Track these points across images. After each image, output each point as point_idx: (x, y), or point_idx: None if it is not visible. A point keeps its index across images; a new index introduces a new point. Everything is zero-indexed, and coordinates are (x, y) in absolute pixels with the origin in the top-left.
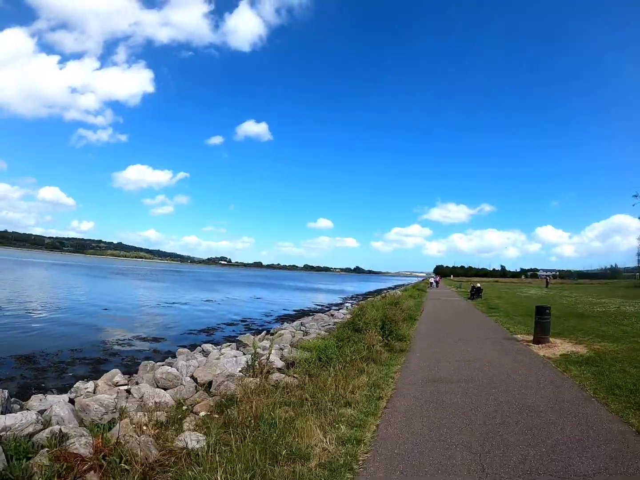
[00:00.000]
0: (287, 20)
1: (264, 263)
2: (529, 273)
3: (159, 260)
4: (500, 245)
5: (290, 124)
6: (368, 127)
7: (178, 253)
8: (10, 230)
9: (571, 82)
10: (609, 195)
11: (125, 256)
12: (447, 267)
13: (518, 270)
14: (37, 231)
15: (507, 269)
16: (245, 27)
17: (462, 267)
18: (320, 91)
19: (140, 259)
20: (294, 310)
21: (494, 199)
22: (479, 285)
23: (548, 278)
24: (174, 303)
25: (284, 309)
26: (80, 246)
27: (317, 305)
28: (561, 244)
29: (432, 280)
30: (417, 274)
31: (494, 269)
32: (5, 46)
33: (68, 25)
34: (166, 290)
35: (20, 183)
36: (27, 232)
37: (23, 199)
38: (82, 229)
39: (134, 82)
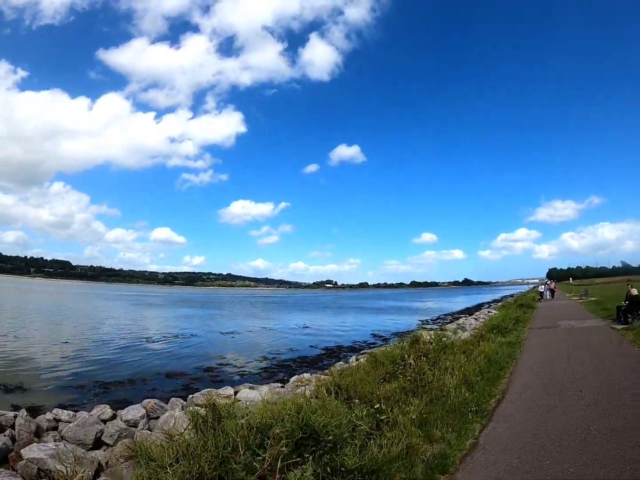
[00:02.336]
0: (358, 44)
1: (370, 283)
2: None
3: (265, 288)
4: (616, 240)
5: (381, 143)
6: (458, 127)
7: (285, 279)
8: (126, 268)
9: None
10: None
11: (232, 285)
12: (561, 269)
13: None
14: (152, 268)
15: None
16: (320, 57)
17: (578, 267)
18: (403, 105)
19: (247, 287)
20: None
21: (603, 189)
22: (636, 291)
23: None
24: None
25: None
26: (190, 279)
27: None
28: None
29: (542, 288)
30: (528, 280)
31: (613, 267)
32: (105, 109)
33: (158, 84)
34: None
35: (134, 227)
36: (142, 270)
37: (137, 241)
38: (194, 263)
39: (226, 125)
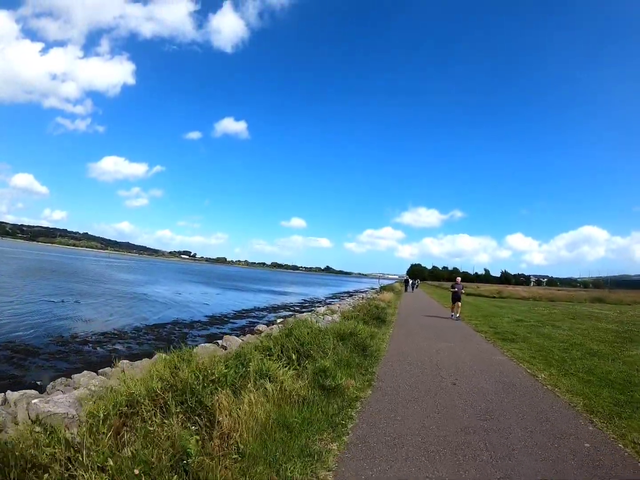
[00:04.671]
0: (269, 24)
1: (234, 259)
2: (521, 278)
3: (110, 251)
4: (472, 250)
5: (268, 124)
6: (342, 129)
7: (149, 246)
8: None
9: (545, 95)
10: (579, 206)
11: (75, 245)
12: (424, 267)
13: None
14: (9, 219)
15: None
16: (229, 28)
17: (444, 268)
18: (297, 95)
19: (91, 249)
20: None
21: (465, 206)
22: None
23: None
24: None
25: None
26: (35, 234)
27: None
28: (531, 252)
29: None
30: (389, 275)
31: (476, 273)
32: None
33: (54, 13)
34: None
35: None
36: None
37: None
38: (54, 217)
39: (116, 73)
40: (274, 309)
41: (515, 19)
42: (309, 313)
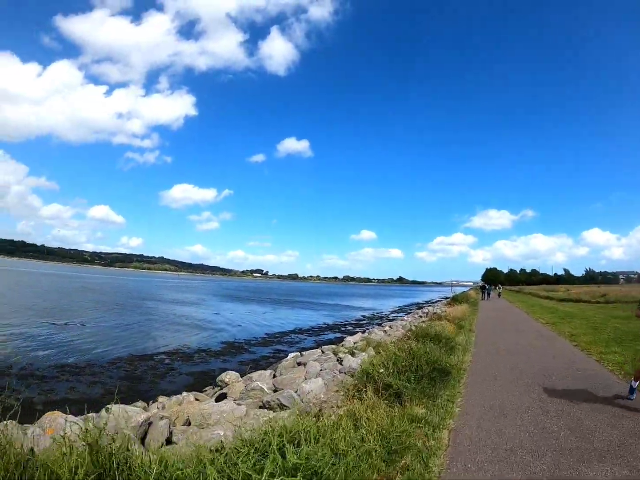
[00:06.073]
0: (317, 44)
1: (306, 275)
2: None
3: (184, 273)
4: (547, 251)
5: (330, 141)
6: (403, 140)
7: (221, 267)
8: (64, 247)
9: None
10: None
11: (149, 269)
12: (500, 271)
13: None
14: (88, 247)
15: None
16: (279, 52)
17: (522, 270)
18: (355, 108)
19: (165, 272)
20: None
21: (536, 204)
22: None
23: None
24: None
25: None
26: (113, 260)
27: None
28: (609, 247)
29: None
30: (463, 282)
31: (555, 274)
32: (55, 77)
33: (113, 59)
34: None
35: (71, 203)
36: (75, 248)
37: (74, 218)
38: (131, 245)
39: (177, 106)
40: (319, 330)
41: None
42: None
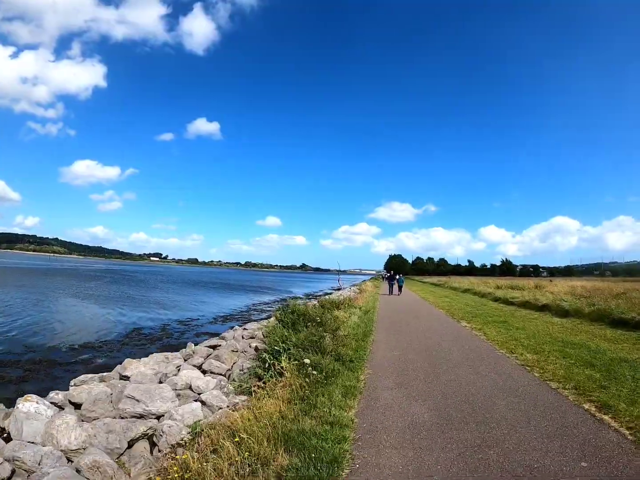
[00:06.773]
0: (240, 27)
1: (208, 260)
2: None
3: (72, 256)
4: (447, 244)
5: (241, 125)
6: (313, 129)
7: (123, 250)
8: None
9: (506, 87)
10: (550, 196)
11: (34, 250)
12: (405, 260)
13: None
14: None
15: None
16: (200, 31)
17: (430, 260)
18: (270, 94)
19: (52, 254)
20: None
21: (438, 200)
22: None
23: None
24: None
25: None
26: (3, 241)
27: None
28: (505, 243)
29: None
30: (366, 271)
31: (459, 264)
32: None
33: (25, 17)
34: None
35: None
36: None
37: None
38: (27, 224)
39: (87, 76)
40: None
41: None
42: None
